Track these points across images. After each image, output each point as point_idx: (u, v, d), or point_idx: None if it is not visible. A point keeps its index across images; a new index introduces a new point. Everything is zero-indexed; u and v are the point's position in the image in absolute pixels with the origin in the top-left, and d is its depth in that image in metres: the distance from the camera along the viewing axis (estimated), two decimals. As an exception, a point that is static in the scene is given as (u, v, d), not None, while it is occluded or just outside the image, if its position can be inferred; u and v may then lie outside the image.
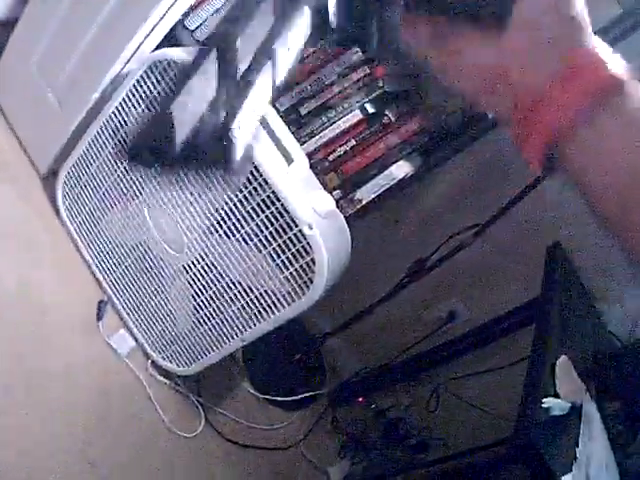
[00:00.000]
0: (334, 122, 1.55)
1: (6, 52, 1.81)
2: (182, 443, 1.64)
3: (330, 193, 1.49)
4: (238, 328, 1.48)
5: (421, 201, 1.74)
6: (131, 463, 1.55)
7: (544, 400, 1.47)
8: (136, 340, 1.65)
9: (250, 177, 1.41)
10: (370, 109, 1.56)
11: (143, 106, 1.55)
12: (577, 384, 1.60)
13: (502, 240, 1.65)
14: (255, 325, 1.46)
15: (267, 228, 1.41)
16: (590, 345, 1.75)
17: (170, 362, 1.63)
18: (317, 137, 1.56)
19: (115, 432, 1.55)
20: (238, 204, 1.43)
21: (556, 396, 1.51)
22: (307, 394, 2.00)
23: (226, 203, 1.44)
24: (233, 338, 1.49)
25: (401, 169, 1.53)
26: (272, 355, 1.86)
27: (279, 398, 1.92)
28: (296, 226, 1.38)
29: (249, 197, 1.42)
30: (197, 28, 1.66)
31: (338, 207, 1.48)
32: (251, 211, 1.42)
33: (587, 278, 1.65)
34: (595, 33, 0.43)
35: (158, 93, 1.53)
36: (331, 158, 1.55)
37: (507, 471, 1.51)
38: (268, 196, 1.40)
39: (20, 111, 1.81)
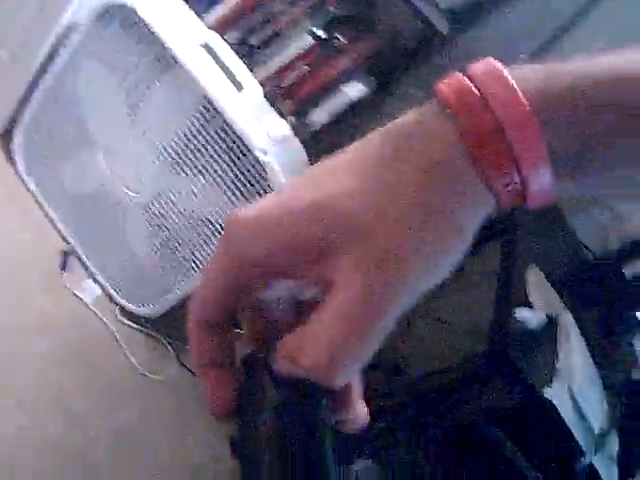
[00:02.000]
0: (285, 49, 1.53)
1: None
2: (156, 386, 1.64)
3: (286, 119, 1.47)
4: (203, 260, 1.47)
5: (380, 122, 1.71)
6: (108, 411, 1.55)
7: (516, 310, 1.45)
8: (102, 287, 1.64)
9: (202, 108, 1.40)
10: (320, 34, 1.53)
11: (94, 53, 1.53)
12: (551, 295, 1.57)
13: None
14: (220, 257, 1.45)
15: (222, 158, 1.39)
16: (563, 256, 1.73)
17: (137, 305, 1.62)
18: (269, 65, 1.54)
19: (90, 382, 1.55)
20: (192, 137, 1.42)
21: (529, 307, 1.49)
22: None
23: (180, 138, 1.42)
24: (197, 271, 1.48)
25: (355, 90, 1.51)
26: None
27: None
28: (250, 152, 1.37)
29: (202, 129, 1.41)
30: (139, -32, 1.63)
31: (295, 132, 1.46)
32: (205, 143, 1.41)
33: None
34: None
35: (107, 38, 1.51)
36: (284, 85, 1.53)
37: (484, 387, 1.48)
38: (221, 126, 1.39)
39: (-30, 71, 1.79)
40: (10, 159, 1.68)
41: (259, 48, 1.56)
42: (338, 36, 1.54)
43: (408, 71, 1.56)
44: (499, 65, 0.31)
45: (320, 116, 1.49)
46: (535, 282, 1.53)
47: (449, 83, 0.32)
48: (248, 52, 1.57)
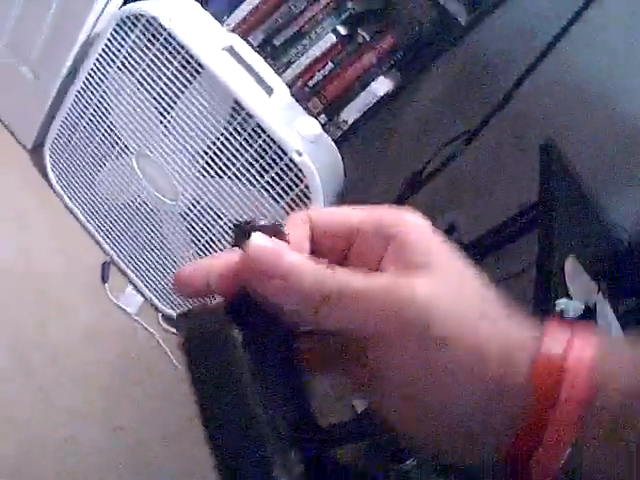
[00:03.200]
0: (309, 48, 1.54)
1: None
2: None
3: (315, 119, 1.49)
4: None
5: (408, 115, 1.72)
6: (157, 421, 1.55)
7: (557, 302, 1.46)
8: (144, 296, 1.67)
9: (233, 113, 1.41)
10: (343, 31, 1.54)
11: (118, 63, 1.54)
12: (588, 284, 1.57)
13: (495, 144, 1.64)
14: (260, 260, 1.47)
15: (257, 161, 1.41)
16: (596, 245, 1.72)
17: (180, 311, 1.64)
18: (294, 66, 1.55)
19: (137, 392, 1.56)
20: (225, 142, 1.43)
21: (568, 297, 1.49)
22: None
23: (213, 143, 1.44)
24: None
25: (381, 86, 1.52)
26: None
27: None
28: (285, 155, 1.38)
29: (235, 134, 1.42)
30: (159, -22, 1.64)
31: (325, 131, 1.48)
32: (239, 147, 1.42)
33: (584, 172, 1.63)
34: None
35: (130, 48, 1.52)
36: (311, 84, 1.54)
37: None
38: (254, 129, 1.40)
39: (-4, 91, 1.80)
40: (44, 174, 1.70)
41: (283, 49, 1.57)
42: (360, 32, 1.55)
43: (431, 62, 1.57)
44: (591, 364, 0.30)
45: (350, 114, 1.50)
46: (573, 272, 1.53)
47: (547, 371, 0.30)
48: (272, 53, 1.58)
